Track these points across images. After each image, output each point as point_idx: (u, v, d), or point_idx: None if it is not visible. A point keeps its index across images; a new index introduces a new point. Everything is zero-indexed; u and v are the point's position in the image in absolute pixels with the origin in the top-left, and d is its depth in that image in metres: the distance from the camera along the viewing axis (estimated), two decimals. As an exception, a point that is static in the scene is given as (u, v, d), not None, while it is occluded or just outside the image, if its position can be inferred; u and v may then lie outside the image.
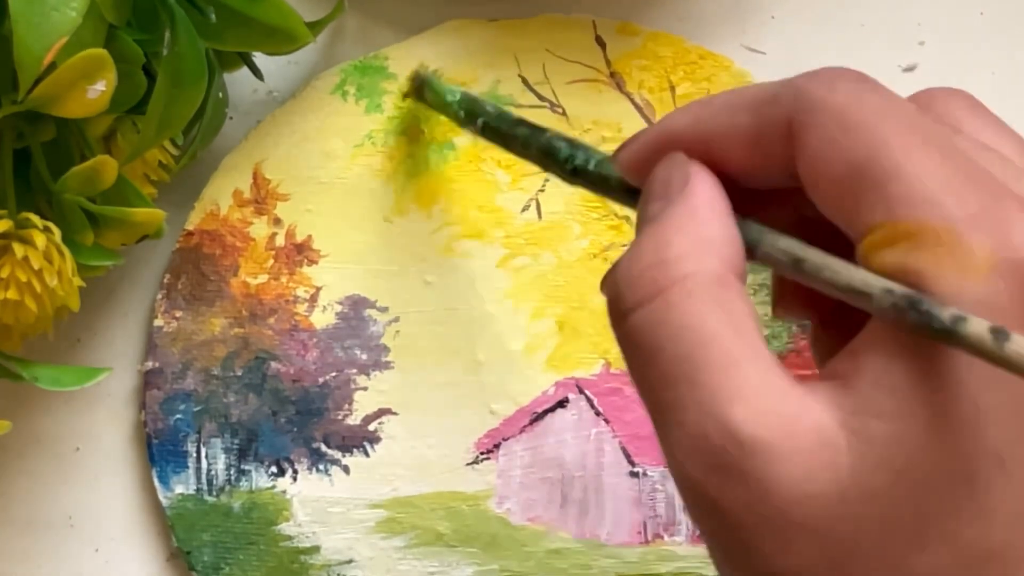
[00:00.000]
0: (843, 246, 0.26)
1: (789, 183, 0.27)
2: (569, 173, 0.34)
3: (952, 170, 0.25)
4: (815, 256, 0.26)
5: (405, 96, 0.46)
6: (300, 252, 0.46)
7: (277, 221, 0.46)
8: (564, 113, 0.47)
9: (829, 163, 0.26)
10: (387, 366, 0.45)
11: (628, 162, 0.30)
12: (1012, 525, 0.24)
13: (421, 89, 0.45)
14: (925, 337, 0.23)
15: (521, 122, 0.38)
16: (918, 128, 0.25)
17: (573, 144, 0.34)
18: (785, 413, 0.24)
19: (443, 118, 0.44)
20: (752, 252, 0.27)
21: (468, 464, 0.45)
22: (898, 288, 0.24)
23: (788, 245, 0.27)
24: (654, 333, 0.25)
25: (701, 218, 0.27)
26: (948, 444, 0.23)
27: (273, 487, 0.44)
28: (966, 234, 0.24)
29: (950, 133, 0.27)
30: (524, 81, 0.47)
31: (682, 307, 0.25)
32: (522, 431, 0.45)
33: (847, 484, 0.23)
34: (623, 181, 0.31)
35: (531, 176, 0.47)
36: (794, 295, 0.31)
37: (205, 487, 0.44)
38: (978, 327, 0.23)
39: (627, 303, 0.26)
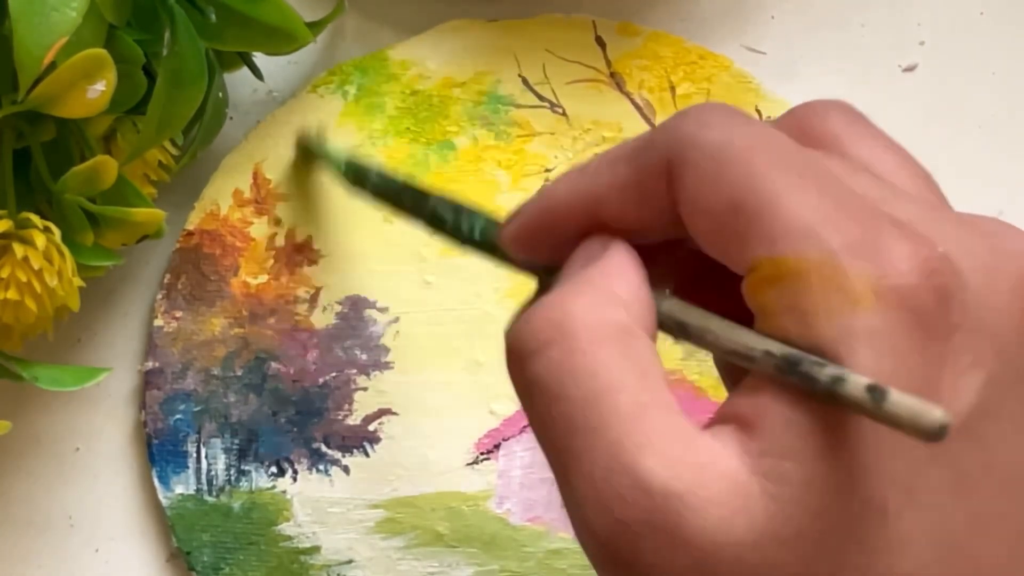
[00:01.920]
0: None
1: (678, 232, 0.27)
2: (460, 242, 0.33)
3: (827, 199, 0.24)
4: (697, 319, 0.26)
5: (294, 162, 0.46)
6: (300, 252, 0.46)
7: (277, 221, 0.46)
8: (564, 113, 0.47)
9: (707, 201, 0.25)
10: (387, 366, 0.45)
11: (512, 238, 0.29)
12: (925, 552, 0.24)
13: (308, 153, 0.45)
14: (811, 395, 0.23)
15: (407, 188, 0.37)
16: (791, 159, 0.25)
17: (458, 211, 0.33)
18: (696, 461, 0.23)
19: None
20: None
21: (468, 464, 0.45)
22: (777, 349, 0.24)
23: (671, 308, 0.26)
24: (557, 378, 0.25)
25: (612, 276, 0.26)
26: (858, 479, 0.23)
27: (273, 487, 0.44)
28: (845, 264, 0.23)
29: (822, 159, 0.26)
30: (524, 81, 0.47)
31: (587, 352, 0.24)
32: (522, 431, 0.45)
33: (763, 530, 0.23)
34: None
35: (531, 176, 0.47)
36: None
37: (205, 487, 0.44)
38: (855, 387, 0.22)
39: (529, 346, 0.25)
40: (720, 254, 0.26)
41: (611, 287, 0.26)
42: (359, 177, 0.40)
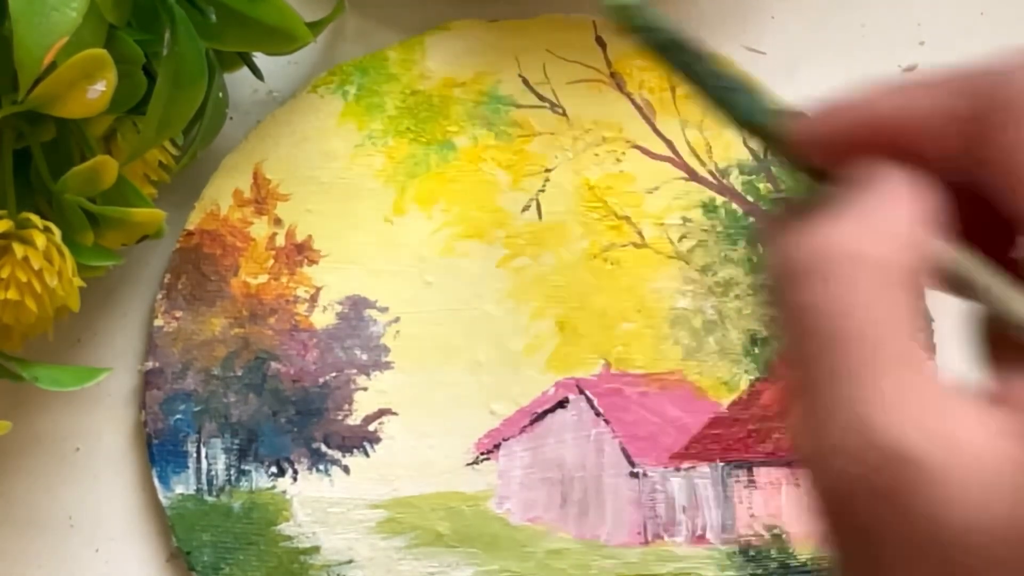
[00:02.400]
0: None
1: (973, 177, 0.25)
2: (736, 121, 0.31)
3: None
4: (981, 275, 0.24)
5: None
6: (300, 252, 0.46)
7: (277, 221, 0.46)
8: (564, 113, 0.47)
9: None
10: (387, 366, 0.45)
11: (806, 134, 0.27)
12: None
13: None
14: None
15: (698, 55, 0.35)
16: None
17: (741, 89, 0.30)
18: (951, 433, 0.21)
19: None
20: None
21: (468, 464, 0.45)
22: None
23: (953, 259, 0.25)
24: (822, 311, 0.23)
25: (902, 213, 0.24)
26: None
27: (273, 487, 0.44)
28: None
29: None
30: (525, 81, 0.47)
31: (851, 290, 0.23)
32: (522, 431, 0.45)
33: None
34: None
35: (531, 176, 0.47)
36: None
37: (205, 487, 0.44)
38: None
39: (799, 267, 0.23)
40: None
41: (899, 224, 0.24)
42: (643, 26, 0.38)
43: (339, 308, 0.46)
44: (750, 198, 0.46)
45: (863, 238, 0.23)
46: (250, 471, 0.45)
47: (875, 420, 0.22)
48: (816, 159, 0.27)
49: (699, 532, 0.44)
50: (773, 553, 0.44)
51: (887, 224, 0.24)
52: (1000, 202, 0.24)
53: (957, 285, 0.25)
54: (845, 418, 0.22)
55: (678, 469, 0.44)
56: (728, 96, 0.30)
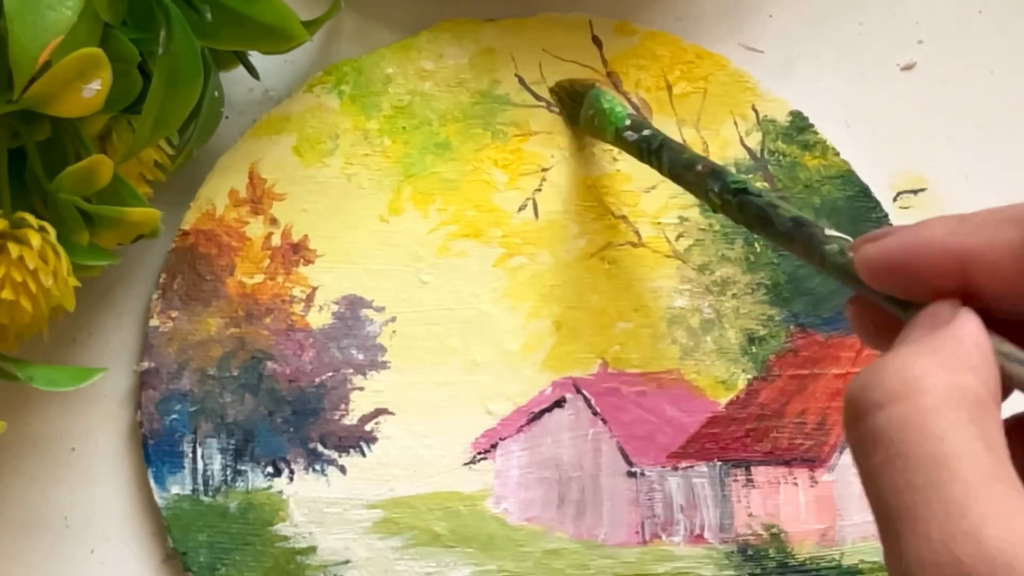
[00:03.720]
0: None
1: None
2: (733, 192, 0.36)
3: None
4: None
5: (553, 92, 0.47)
6: (296, 252, 0.46)
7: (273, 221, 0.46)
8: (561, 113, 0.47)
9: None
10: (384, 366, 0.45)
11: (867, 263, 0.29)
12: None
13: (573, 95, 0.46)
14: None
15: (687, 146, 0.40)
16: None
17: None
18: None
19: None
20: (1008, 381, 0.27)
21: (465, 464, 0.45)
22: None
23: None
24: (903, 434, 0.24)
25: (963, 342, 0.25)
26: None
27: (269, 487, 0.44)
28: None
29: None
30: (521, 81, 0.47)
31: (936, 415, 0.24)
32: (519, 431, 0.45)
33: None
34: (795, 216, 0.33)
35: (528, 176, 0.47)
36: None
37: (201, 487, 0.44)
38: None
39: (874, 397, 0.25)
40: None
41: (961, 351, 0.25)
42: (638, 125, 0.43)
43: (335, 308, 0.46)
44: (747, 197, 0.46)
45: (938, 364, 0.25)
46: (246, 471, 0.44)
47: (982, 533, 0.22)
48: (885, 286, 0.29)
49: (697, 531, 0.44)
50: (771, 552, 0.43)
51: (959, 351, 0.25)
52: None
53: None
54: (946, 531, 0.23)
55: (676, 468, 0.44)
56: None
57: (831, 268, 0.31)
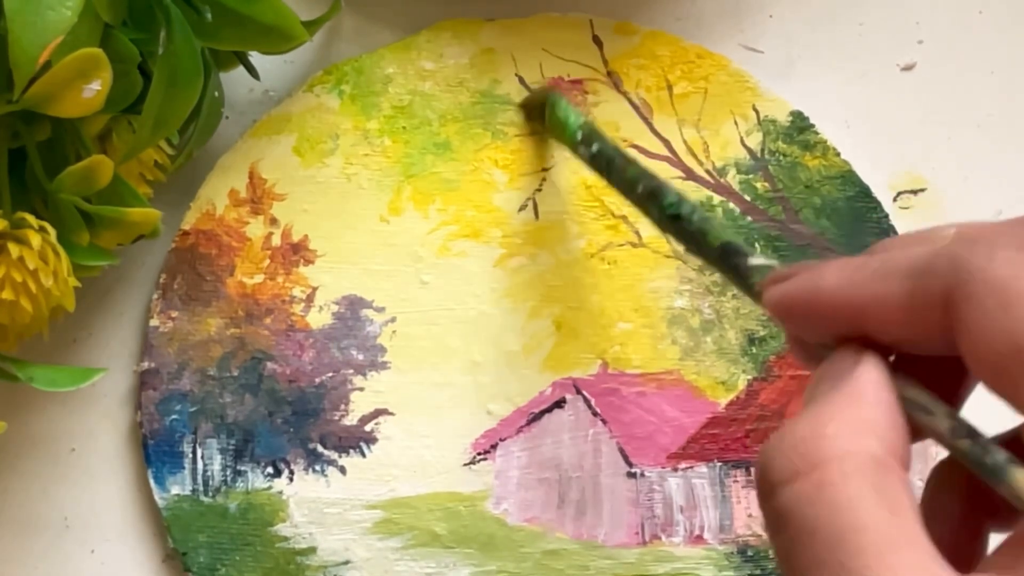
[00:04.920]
0: None
1: (947, 351, 0.26)
2: (668, 218, 0.35)
3: None
4: (973, 447, 0.25)
5: (522, 106, 0.47)
6: (296, 252, 0.46)
7: (273, 221, 0.46)
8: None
9: (990, 340, 0.24)
10: (384, 366, 0.45)
11: (773, 304, 0.29)
12: None
13: (540, 107, 0.45)
14: None
15: (635, 161, 0.39)
16: None
17: (681, 196, 0.36)
18: None
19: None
20: (917, 428, 0.26)
21: (465, 465, 0.45)
22: None
23: (950, 425, 0.26)
24: (805, 512, 0.24)
25: (864, 401, 0.26)
26: None
27: (269, 488, 0.44)
28: None
29: None
30: (521, 80, 0.47)
31: (837, 487, 0.24)
32: (519, 431, 0.45)
33: None
34: (723, 243, 0.33)
35: (528, 176, 0.46)
36: (951, 476, 0.29)
37: (201, 488, 0.44)
38: None
39: (777, 475, 0.25)
40: (998, 390, 0.25)
41: (862, 413, 0.25)
42: (590, 138, 0.42)
43: (335, 308, 0.46)
44: (747, 197, 0.46)
45: (835, 432, 0.25)
46: (246, 472, 0.44)
47: None
48: (791, 330, 0.29)
49: (697, 532, 0.44)
50: (771, 553, 0.43)
51: (857, 413, 0.25)
52: (987, 386, 0.25)
53: (944, 443, 0.26)
54: None
55: (676, 469, 0.44)
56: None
57: (756, 300, 0.31)
